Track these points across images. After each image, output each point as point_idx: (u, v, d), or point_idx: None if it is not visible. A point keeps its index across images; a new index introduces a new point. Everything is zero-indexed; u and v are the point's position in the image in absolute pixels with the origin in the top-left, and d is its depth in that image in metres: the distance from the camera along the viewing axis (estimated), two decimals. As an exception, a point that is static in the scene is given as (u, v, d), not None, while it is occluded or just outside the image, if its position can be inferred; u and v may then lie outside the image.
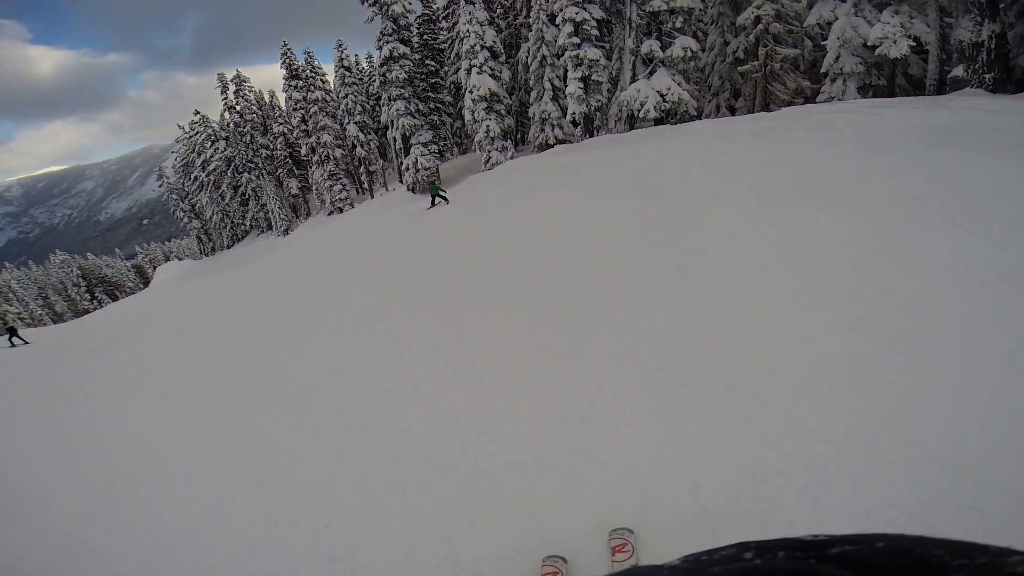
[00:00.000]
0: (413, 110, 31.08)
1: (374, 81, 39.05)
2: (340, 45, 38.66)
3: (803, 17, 23.78)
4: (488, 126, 27.99)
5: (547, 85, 27.95)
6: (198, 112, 56.84)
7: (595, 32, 25.48)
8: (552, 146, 27.30)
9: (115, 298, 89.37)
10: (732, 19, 26.76)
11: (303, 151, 43.56)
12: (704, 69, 27.98)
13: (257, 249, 48.67)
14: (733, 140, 13.48)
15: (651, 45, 23.49)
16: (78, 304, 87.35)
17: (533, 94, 28.83)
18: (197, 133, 56.35)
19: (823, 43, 22.07)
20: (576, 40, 25.15)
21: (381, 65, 30.17)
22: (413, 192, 32.42)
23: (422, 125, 31.36)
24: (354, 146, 38.68)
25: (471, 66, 28.01)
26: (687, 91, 23.62)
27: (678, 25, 23.32)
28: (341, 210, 41.46)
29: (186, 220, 62.91)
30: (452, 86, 36.52)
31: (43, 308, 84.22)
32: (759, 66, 24.47)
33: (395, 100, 30.63)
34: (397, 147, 32.96)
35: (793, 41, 24.96)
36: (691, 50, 22.94)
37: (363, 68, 47.43)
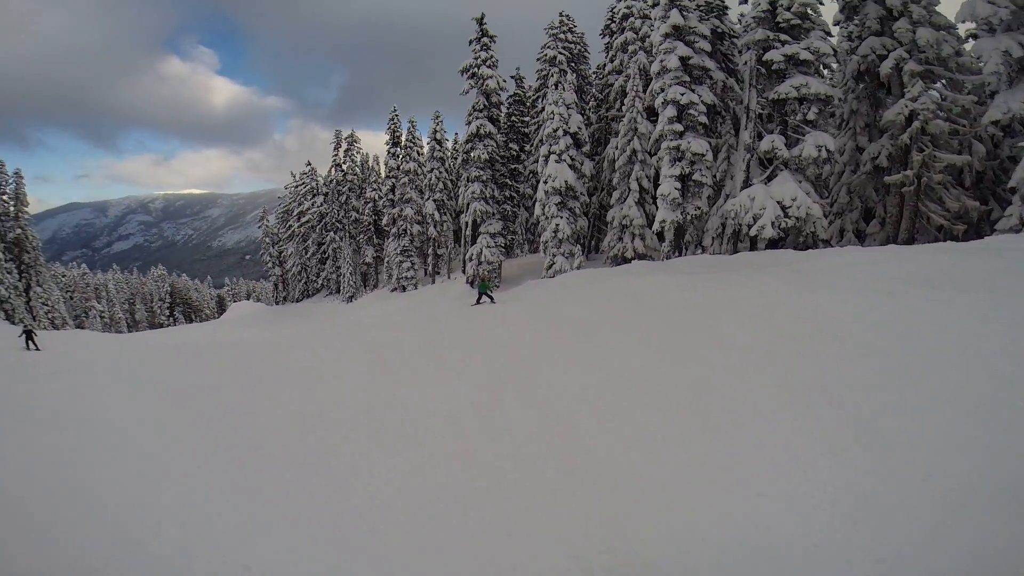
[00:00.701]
0: (488, 195, 30.10)
1: (459, 158, 38.64)
2: (437, 117, 39.19)
3: (973, 113, 18.93)
4: (558, 224, 25.78)
5: (633, 185, 24.89)
6: (309, 164, 60.09)
7: (703, 120, 21.71)
8: (629, 260, 24.49)
9: (190, 320, 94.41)
10: (870, 117, 21.52)
11: (384, 220, 44.06)
12: (827, 180, 22.73)
13: (318, 310, 48.90)
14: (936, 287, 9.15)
15: (773, 141, 19.07)
16: (156, 317, 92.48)
17: (616, 195, 25.85)
18: (303, 184, 59.15)
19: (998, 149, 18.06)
20: (678, 128, 21.51)
21: (466, 142, 29.83)
22: (471, 286, 30.81)
23: (494, 214, 30.21)
24: (429, 224, 38.26)
25: (550, 152, 26.24)
26: (818, 204, 18.95)
27: (810, 117, 18.87)
28: (404, 288, 40.70)
29: (270, 265, 65.19)
30: (531, 176, 35.19)
31: (125, 312, 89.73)
32: (912, 177, 18.67)
33: (472, 182, 29.87)
34: (467, 233, 31.89)
35: (958, 146, 19.35)
36: (826, 149, 18.50)
37: (453, 144, 47.61)
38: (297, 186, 60.49)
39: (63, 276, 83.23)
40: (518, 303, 19.39)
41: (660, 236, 23.56)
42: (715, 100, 22.54)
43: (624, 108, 25.52)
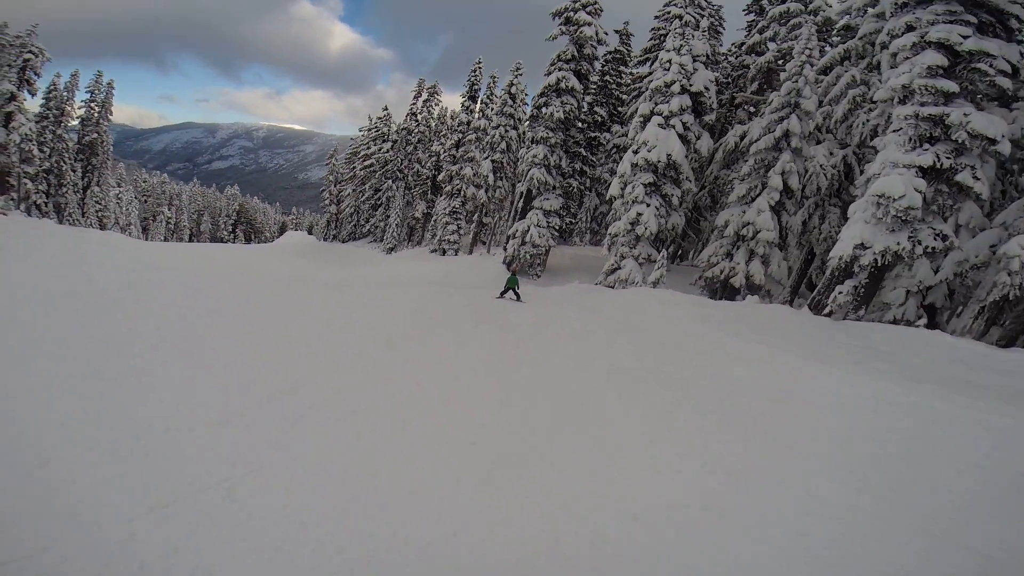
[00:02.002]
0: (552, 163, 24.12)
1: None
2: (517, 69, 32.41)
3: None
4: (640, 214, 18.75)
5: (774, 181, 16.66)
6: (385, 109, 56.26)
7: (1002, 83, 11.85)
8: (736, 289, 17.47)
9: (248, 240, 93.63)
10: None
11: (441, 176, 38.94)
12: None
13: (358, 254, 44.98)
14: None
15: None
16: (219, 231, 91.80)
17: (736, 192, 18.13)
18: (375, 128, 55.34)
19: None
20: (944, 85, 11.90)
21: (540, 95, 23.86)
22: (507, 267, 25.15)
23: (554, 187, 24.26)
24: (482, 187, 32.61)
25: (653, 113, 19.06)
26: None
27: None
28: (444, 252, 35.51)
29: (327, 202, 62.47)
30: (616, 153, 28.17)
31: (192, 222, 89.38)
32: None
33: (537, 143, 24.01)
34: (517, 205, 26.20)
35: None
36: None
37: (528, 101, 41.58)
38: (370, 129, 56.70)
39: (144, 181, 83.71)
40: (552, 317, 13.41)
41: (838, 273, 13.57)
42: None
43: (772, 85, 19.79)
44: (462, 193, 35.59)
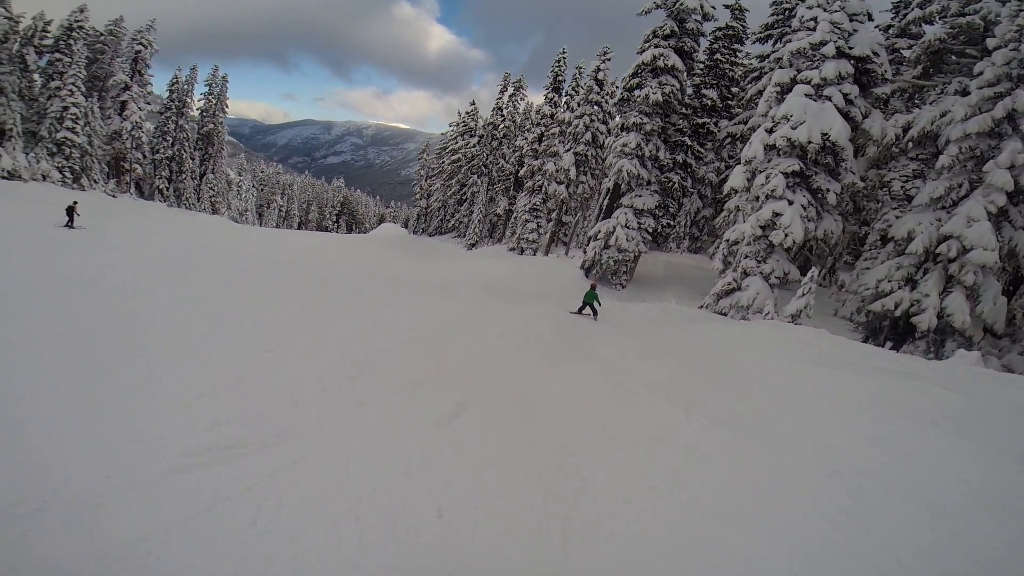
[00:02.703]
0: (648, 154, 20.16)
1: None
2: (604, 53, 27.93)
3: None
4: (777, 214, 13.82)
5: (998, 178, 11.96)
6: (473, 103, 54.34)
7: None
8: (918, 333, 12.67)
9: (350, 229, 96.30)
10: None
11: (522, 171, 35.84)
12: None
13: (442, 249, 43.28)
14: None
15: None
16: (324, 220, 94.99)
17: (924, 194, 13.29)
18: (462, 123, 53.60)
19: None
20: None
21: (632, 76, 19.95)
22: (586, 274, 21.61)
23: (648, 182, 20.32)
24: (563, 183, 29.03)
25: (795, 81, 14.31)
26: None
27: None
28: (522, 251, 32.47)
29: (418, 196, 61.84)
30: (730, 144, 22.97)
31: (301, 211, 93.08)
32: None
33: (628, 131, 20.18)
34: (602, 203, 22.50)
35: None
36: None
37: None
38: (458, 124, 55.00)
39: (261, 172, 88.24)
40: (628, 365, 9.78)
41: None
42: None
43: (941, 69, 15.09)
44: (543, 189, 32.34)
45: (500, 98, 46.87)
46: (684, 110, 21.46)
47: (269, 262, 16.38)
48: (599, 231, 21.00)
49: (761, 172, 14.39)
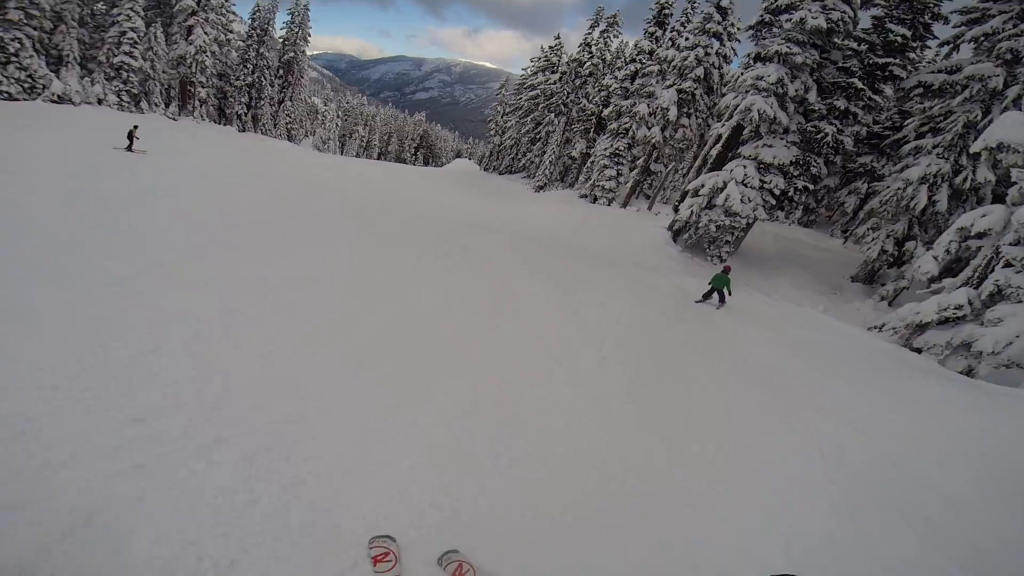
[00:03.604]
0: (792, 94, 14.20)
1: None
2: None
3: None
4: None
5: None
6: (557, 37, 47.48)
7: None
8: None
9: (426, 163, 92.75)
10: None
11: (607, 111, 29.73)
12: None
13: (508, 189, 38.58)
14: None
15: None
16: (404, 151, 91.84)
17: None
18: (547, 58, 47.08)
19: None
20: None
21: None
22: (674, 237, 16.36)
23: (787, 131, 14.51)
24: (657, 124, 22.99)
25: None
26: None
27: None
28: (596, 199, 27.13)
29: (492, 132, 56.49)
30: (919, 92, 15.32)
31: (382, 142, 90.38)
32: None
33: (767, 61, 14.27)
34: (711, 151, 16.88)
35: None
36: None
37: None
38: (539, 59, 48.51)
39: (346, 102, 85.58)
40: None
41: None
42: None
43: None
44: (629, 132, 26.39)
45: (590, 33, 39.99)
46: (856, 45, 14.63)
47: (302, 194, 13.22)
48: (702, 185, 15.44)
49: None
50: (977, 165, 12.89)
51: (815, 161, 14.53)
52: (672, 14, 28.58)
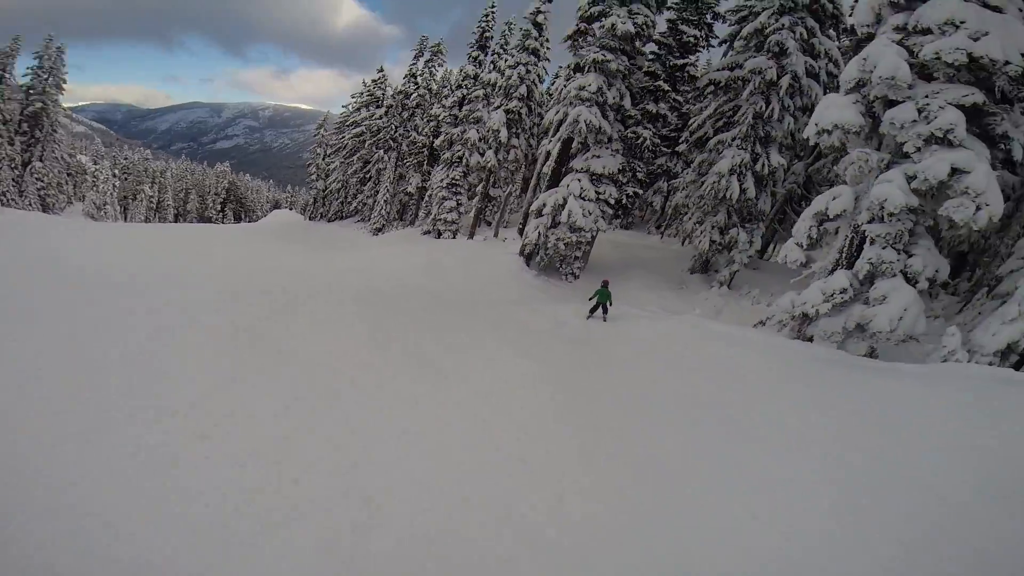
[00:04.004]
0: (611, 101, 15.01)
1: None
2: None
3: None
4: (957, 170, 8.26)
5: None
6: (381, 70, 46.38)
7: None
8: None
9: (239, 218, 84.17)
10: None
11: (439, 141, 29.58)
12: None
13: (342, 236, 36.12)
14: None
15: None
16: (207, 210, 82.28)
17: None
18: (370, 92, 45.70)
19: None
20: None
21: (591, 4, 14.68)
22: (527, 261, 16.30)
23: (611, 138, 15.24)
24: (490, 147, 23.28)
25: None
26: None
27: None
28: (440, 234, 26.50)
29: (314, 177, 53.08)
30: (711, 90, 17.10)
31: (178, 201, 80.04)
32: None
33: (585, 71, 14.94)
34: (544, 168, 17.25)
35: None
36: None
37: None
38: (362, 94, 47.07)
39: (124, 159, 74.35)
40: None
41: None
42: None
43: None
44: (464, 161, 26.41)
45: (414, 64, 39.53)
46: (656, 48, 16.22)
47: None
48: (544, 204, 15.63)
49: (904, 102, 8.89)
50: (769, 152, 14.96)
51: (639, 166, 15.71)
52: (492, 36, 29.56)
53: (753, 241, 15.67)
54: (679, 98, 16.47)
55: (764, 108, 14.71)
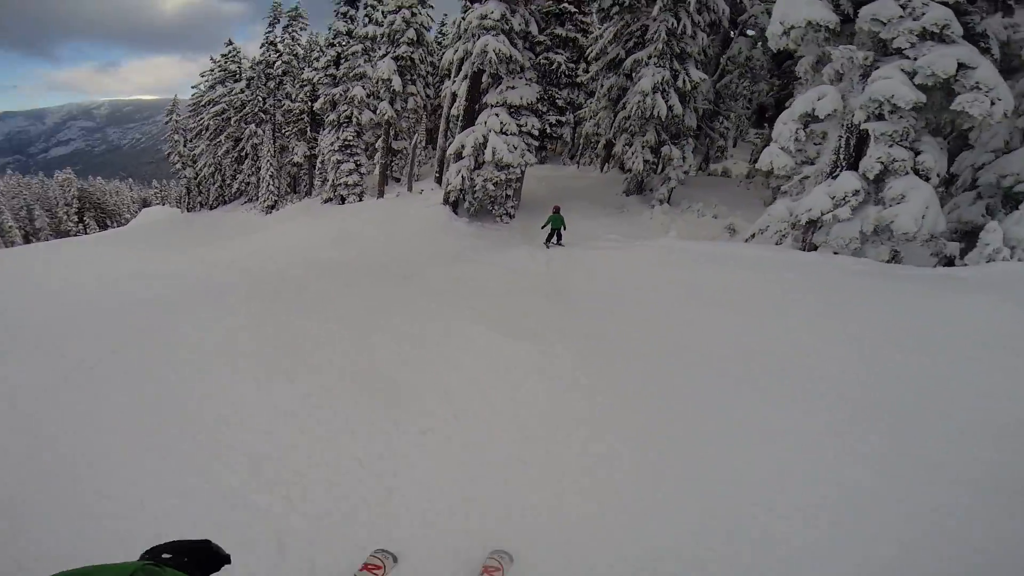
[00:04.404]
0: (517, 28, 13.82)
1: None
2: None
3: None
4: (963, 66, 8.28)
5: None
6: (230, 43, 41.75)
7: None
8: None
9: (104, 226, 73.91)
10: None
11: (319, 103, 26.72)
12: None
13: (230, 222, 32.31)
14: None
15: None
16: (62, 224, 71.33)
17: None
18: (223, 67, 40.78)
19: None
20: None
21: None
22: (454, 210, 15.12)
23: (523, 68, 14.15)
24: (383, 99, 21.22)
25: None
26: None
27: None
28: (343, 199, 24.27)
29: (179, 166, 46.93)
30: (617, 10, 15.62)
31: (22, 220, 68.60)
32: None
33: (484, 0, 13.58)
34: (456, 108, 15.86)
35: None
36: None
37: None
38: (212, 71, 42.02)
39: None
40: None
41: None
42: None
43: None
44: (354, 120, 24.00)
45: (270, 31, 35.86)
46: None
47: None
48: (463, 146, 14.30)
49: None
50: (688, 68, 14.60)
51: (556, 93, 14.83)
52: None
53: (686, 157, 15.49)
54: (586, 20, 15.59)
55: (676, 25, 14.25)
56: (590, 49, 16.50)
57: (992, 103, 8.00)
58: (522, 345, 5.43)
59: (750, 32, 17.46)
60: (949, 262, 8.66)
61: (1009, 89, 8.25)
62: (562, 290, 8.20)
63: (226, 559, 1.09)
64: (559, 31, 15.08)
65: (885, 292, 6.37)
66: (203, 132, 41.41)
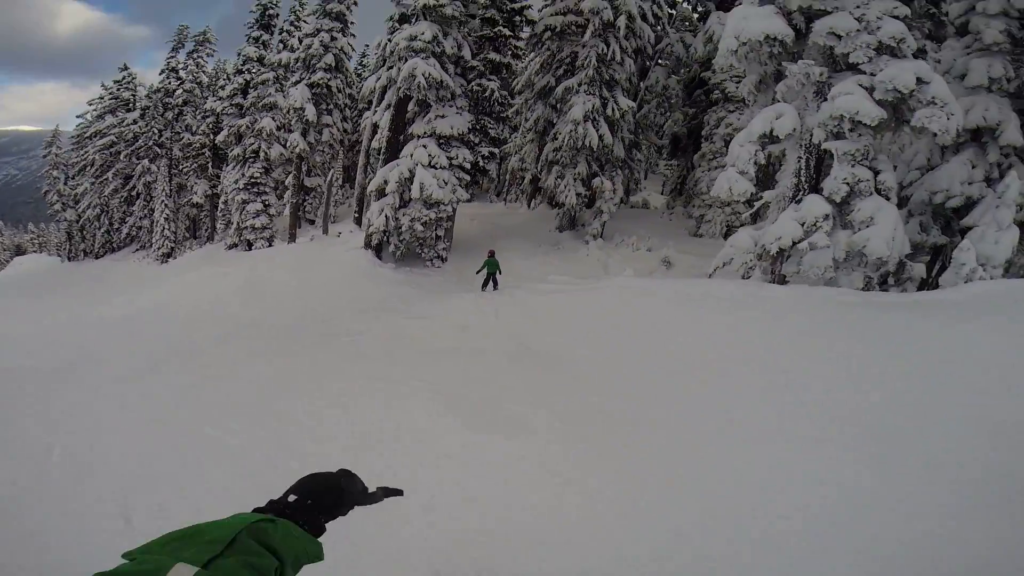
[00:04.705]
0: (449, 52, 12.58)
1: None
2: None
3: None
4: (921, 80, 8.19)
5: None
6: (125, 67, 38.21)
7: None
8: None
9: (-38, 279, 64.22)
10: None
11: (221, 136, 24.11)
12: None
13: (117, 273, 28.35)
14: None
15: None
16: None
17: None
18: (114, 95, 36.90)
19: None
20: None
21: None
22: (377, 254, 13.38)
23: (455, 95, 12.89)
24: (294, 131, 19.16)
25: None
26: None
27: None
28: (250, 245, 21.62)
29: (58, 207, 41.51)
30: (549, 37, 15.15)
31: None
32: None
33: (415, 20, 12.33)
34: (377, 143, 14.30)
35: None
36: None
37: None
38: (103, 98, 38.08)
39: None
40: None
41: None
42: None
43: None
44: (261, 154, 21.68)
45: (172, 57, 33.00)
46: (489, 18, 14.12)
47: None
48: (385, 181, 12.65)
49: (834, 12, 8.02)
50: (616, 96, 14.07)
51: (490, 123, 13.73)
52: (278, 14, 24.63)
53: (616, 189, 14.73)
54: (519, 44, 14.83)
55: (606, 51, 13.73)
56: (516, 80, 15.74)
57: (947, 118, 7.69)
58: (504, 446, 3.96)
59: (663, 62, 17.57)
60: (883, 283, 8.25)
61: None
62: (527, 347, 6.71)
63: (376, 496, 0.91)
64: (493, 56, 14.16)
65: (903, 327, 5.64)
66: (87, 168, 36.69)
